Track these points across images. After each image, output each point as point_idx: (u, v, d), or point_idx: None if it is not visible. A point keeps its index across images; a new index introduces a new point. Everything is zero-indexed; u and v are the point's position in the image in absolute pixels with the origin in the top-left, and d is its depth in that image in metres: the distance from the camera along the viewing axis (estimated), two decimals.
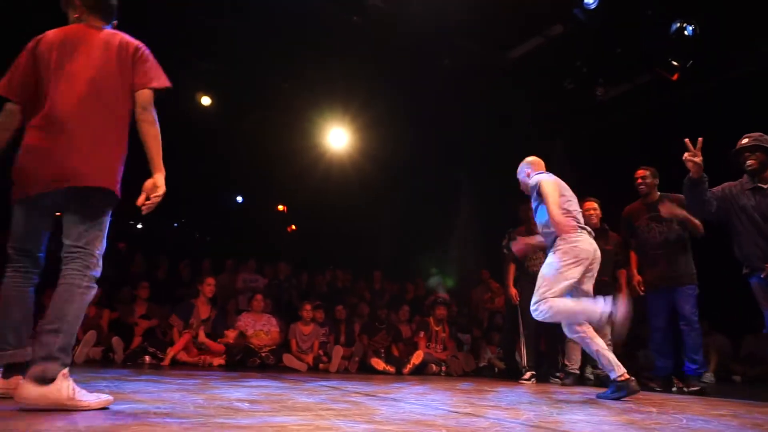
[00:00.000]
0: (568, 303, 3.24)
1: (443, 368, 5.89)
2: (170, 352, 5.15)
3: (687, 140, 3.19)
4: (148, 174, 2.21)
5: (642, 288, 4.51)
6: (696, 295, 4.19)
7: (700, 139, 3.17)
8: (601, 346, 3.31)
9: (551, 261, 3.33)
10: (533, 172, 3.62)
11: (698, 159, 3.17)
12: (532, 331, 5.09)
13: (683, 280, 4.21)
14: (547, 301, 3.20)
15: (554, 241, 3.36)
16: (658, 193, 4.42)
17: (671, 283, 4.23)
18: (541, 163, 3.72)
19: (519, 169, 3.72)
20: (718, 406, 3.06)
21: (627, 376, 3.19)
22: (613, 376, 3.22)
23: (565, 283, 3.23)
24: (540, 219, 3.51)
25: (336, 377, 4.68)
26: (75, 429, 1.49)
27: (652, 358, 6.05)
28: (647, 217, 4.40)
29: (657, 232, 4.35)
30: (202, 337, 5.40)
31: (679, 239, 4.29)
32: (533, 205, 3.59)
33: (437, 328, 6.17)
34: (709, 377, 5.17)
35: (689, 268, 4.26)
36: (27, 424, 1.53)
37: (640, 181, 4.43)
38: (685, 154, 3.24)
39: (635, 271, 4.60)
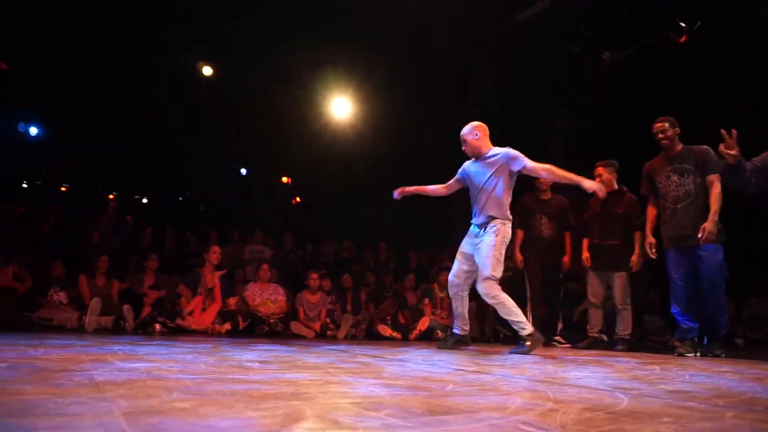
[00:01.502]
0: (510, 301, 3.63)
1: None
2: (187, 309, 5.33)
3: (723, 131, 3.17)
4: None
5: (654, 251, 4.24)
6: (719, 254, 3.92)
7: (734, 131, 3.15)
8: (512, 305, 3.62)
9: (490, 240, 3.60)
10: (485, 138, 3.76)
11: (734, 152, 3.17)
12: (539, 296, 5.15)
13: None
14: (499, 289, 3.59)
15: (489, 220, 3.64)
16: (681, 144, 4.11)
17: (691, 241, 3.97)
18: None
19: (469, 130, 3.76)
20: (721, 364, 3.11)
21: (533, 330, 3.61)
22: (523, 333, 3.56)
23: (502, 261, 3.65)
24: (494, 192, 3.66)
25: (344, 342, 4.77)
26: (92, 382, 1.53)
27: (658, 322, 6.13)
28: (669, 169, 4.11)
29: (677, 185, 4.08)
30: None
31: (700, 193, 4.00)
32: (484, 175, 3.69)
33: (441, 295, 6.23)
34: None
35: None
36: (43, 378, 1.57)
37: (661, 136, 4.10)
38: (721, 147, 3.23)
39: (649, 232, 4.32)
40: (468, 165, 3.88)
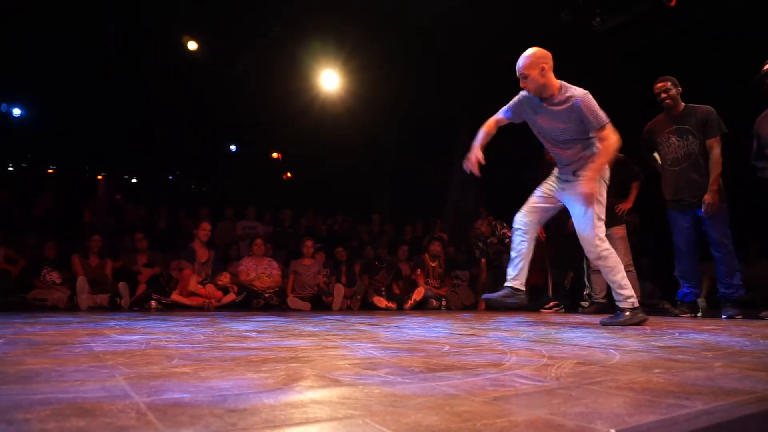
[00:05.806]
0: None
1: (443, 303, 6.04)
2: (184, 288, 5.31)
3: None
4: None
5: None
6: (724, 214, 3.87)
7: None
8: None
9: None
10: (550, 71, 2.87)
11: None
12: (559, 263, 5.17)
13: None
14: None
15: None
16: (683, 104, 4.03)
17: (693, 203, 3.96)
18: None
19: (528, 62, 2.89)
20: (710, 323, 3.17)
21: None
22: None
23: None
24: (571, 140, 2.92)
25: (339, 313, 4.81)
26: (91, 353, 1.54)
27: (648, 287, 6.22)
28: (669, 130, 4.04)
29: (676, 146, 4.02)
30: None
31: (700, 155, 3.93)
32: (558, 119, 2.90)
33: (433, 264, 6.28)
34: (701, 302, 5.30)
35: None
36: (42, 351, 1.58)
37: (663, 95, 4.01)
38: None
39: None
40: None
